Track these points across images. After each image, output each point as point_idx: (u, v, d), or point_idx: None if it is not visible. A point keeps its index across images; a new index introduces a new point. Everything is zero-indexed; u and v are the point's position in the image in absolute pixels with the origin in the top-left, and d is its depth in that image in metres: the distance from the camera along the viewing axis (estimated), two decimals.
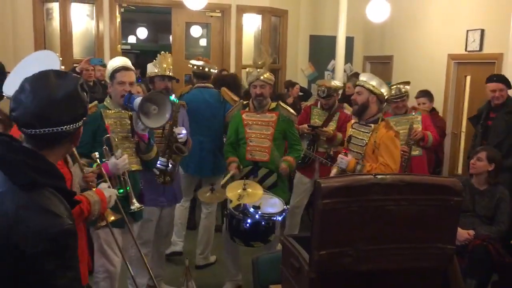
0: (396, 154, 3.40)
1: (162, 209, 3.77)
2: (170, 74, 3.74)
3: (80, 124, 1.50)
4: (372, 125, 3.44)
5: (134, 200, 2.92)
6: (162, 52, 3.83)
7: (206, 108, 4.35)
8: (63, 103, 1.43)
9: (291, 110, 3.99)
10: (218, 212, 4.89)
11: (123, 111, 3.16)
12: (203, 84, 4.46)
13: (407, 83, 4.51)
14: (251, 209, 3.37)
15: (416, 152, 4.34)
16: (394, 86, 4.44)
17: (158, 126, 3.06)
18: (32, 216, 1.33)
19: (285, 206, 3.57)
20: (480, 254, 3.44)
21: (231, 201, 3.51)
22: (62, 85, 1.44)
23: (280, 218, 3.50)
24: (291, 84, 7.40)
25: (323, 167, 4.50)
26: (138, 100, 2.92)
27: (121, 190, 2.63)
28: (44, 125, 1.40)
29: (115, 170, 2.79)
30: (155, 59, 3.77)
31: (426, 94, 5.29)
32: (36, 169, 1.39)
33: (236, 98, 4.37)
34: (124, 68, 3.15)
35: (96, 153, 2.68)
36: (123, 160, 2.78)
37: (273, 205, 3.54)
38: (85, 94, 1.51)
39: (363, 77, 3.57)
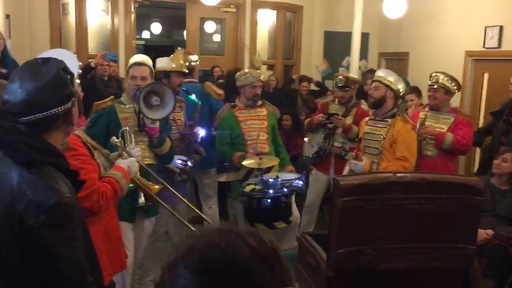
0: (414, 146, 3.49)
1: (174, 206, 3.76)
2: (186, 70, 3.78)
3: (69, 105, 1.56)
4: (389, 119, 3.51)
5: (142, 195, 2.91)
6: (179, 47, 3.83)
7: (189, 103, 4.31)
8: (47, 88, 1.50)
9: (275, 107, 4.35)
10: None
11: (136, 106, 3.16)
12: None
13: (453, 78, 4.13)
14: (271, 180, 3.41)
15: (429, 152, 4.06)
16: (434, 74, 4.13)
17: (161, 117, 3.07)
18: (32, 190, 1.43)
19: (300, 175, 3.67)
20: (499, 255, 3.39)
21: (244, 188, 3.53)
22: (46, 71, 1.52)
23: (301, 183, 3.53)
24: (301, 80, 7.34)
25: (338, 161, 4.44)
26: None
27: (131, 185, 2.62)
28: (34, 111, 1.49)
29: None
30: (172, 54, 3.79)
31: (414, 90, 5.06)
32: (35, 148, 1.48)
33: (220, 92, 4.31)
34: (136, 64, 3.18)
35: (114, 137, 2.69)
36: (136, 151, 2.78)
37: (289, 175, 3.65)
38: (68, 76, 1.57)
39: (380, 73, 3.64)
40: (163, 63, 3.82)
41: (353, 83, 4.57)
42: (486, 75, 6.10)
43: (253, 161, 3.56)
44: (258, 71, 3.98)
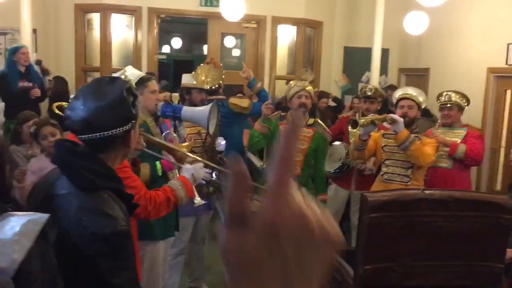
0: (433, 151, 3.58)
1: (199, 217, 3.81)
2: (208, 87, 3.80)
3: (129, 127, 1.51)
4: (418, 135, 3.60)
5: (196, 195, 2.96)
6: (202, 64, 3.89)
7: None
8: (108, 108, 1.45)
9: (327, 129, 4.01)
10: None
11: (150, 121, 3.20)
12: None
13: (463, 95, 4.24)
14: None
15: (444, 164, 4.09)
16: (444, 93, 4.23)
17: (213, 129, 3.07)
18: (89, 218, 1.39)
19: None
20: None
21: None
22: (110, 91, 1.48)
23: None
24: (321, 96, 7.36)
25: (360, 177, 4.43)
26: (192, 110, 3.02)
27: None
28: (92, 130, 1.45)
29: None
30: (194, 71, 3.85)
31: None
32: (95, 172, 1.45)
33: (244, 104, 4.22)
34: (152, 77, 3.23)
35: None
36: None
37: None
38: (131, 97, 1.52)
39: (412, 92, 3.63)
40: (185, 79, 3.87)
41: (380, 96, 4.55)
42: (508, 92, 6.05)
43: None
44: (303, 82, 3.86)
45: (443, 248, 2.04)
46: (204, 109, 2.97)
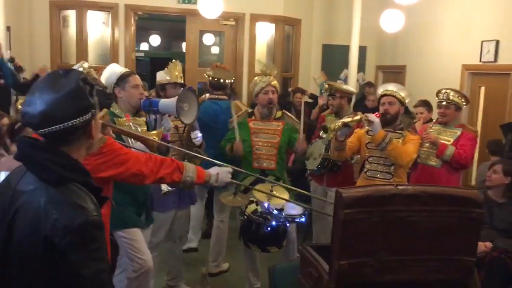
0: (415, 148, 3.59)
1: (177, 211, 3.78)
2: (182, 81, 3.80)
3: (89, 117, 1.49)
4: (402, 131, 3.63)
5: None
6: (173, 60, 3.89)
7: (218, 120, 4.34)
8: (65, 99, 1.44)
9: (295, 119, 4.13)
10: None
11: (137, 118, 3.17)
12: (215, 96, 4.46)
13: (462, 94, 4.18)
14: (275, 212, 3.34)
15: (432, 162, 4.06)
16: (443, 91, 4.14)
17: (192, 121, 3.14)
18: (58, 210, 1.38)
19: (304, 210, 3.53)
20: (497, 267, 3.41)
21: (246, 207, 3.50)
22: (65, 82, 1.47)
23: (303, 220, 3.48)
24: (295, 91, 7.38)
25: (331, 174, 4.44)
26: (165, 102, 2.98)
27: None
28: (51, 123, 1.43)
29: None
30: (167, 67, 3.84)
31: (424, 103, 5.08)
32: (61, 165, 1.44)
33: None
34: (133, 72, 3.23)
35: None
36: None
37: (293, 208, 3.51)
38: (88, 87, 1.51)
39: (392, 88, 3.64)
40: (159, 76, 3.86)
41: (336, 91, 4.50)
42: (482, 89, 6.18)
43: (263, 194, 3.33)
44: (268, 77, 3.90)
45: (417, 242, 2.07)
46: (174, 99, 3.01)
